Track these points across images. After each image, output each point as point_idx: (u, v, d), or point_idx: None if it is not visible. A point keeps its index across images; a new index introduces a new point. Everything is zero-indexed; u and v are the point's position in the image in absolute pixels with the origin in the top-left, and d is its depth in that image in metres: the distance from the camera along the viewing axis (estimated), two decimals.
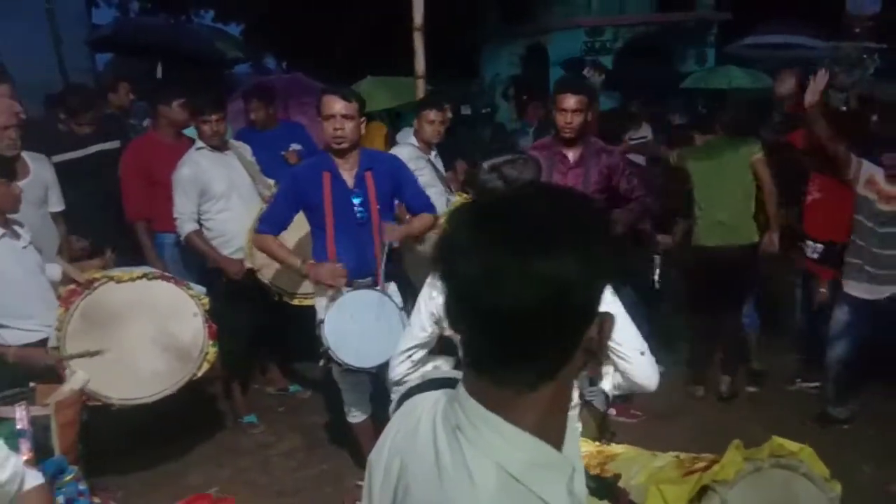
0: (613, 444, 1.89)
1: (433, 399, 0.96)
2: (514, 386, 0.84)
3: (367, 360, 3.10)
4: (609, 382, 2.07)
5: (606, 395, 2.07)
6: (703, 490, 1.35)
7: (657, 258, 4.59)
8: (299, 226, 3.38)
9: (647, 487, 1.36)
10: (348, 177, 3.19)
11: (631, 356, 1.96)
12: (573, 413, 1.57)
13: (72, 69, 7.60)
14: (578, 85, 3.64)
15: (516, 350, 0.82)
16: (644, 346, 2.00)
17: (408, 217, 3.53)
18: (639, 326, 2.03)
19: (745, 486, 1.38)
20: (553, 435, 0.87)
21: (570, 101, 3.57)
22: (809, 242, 4.25)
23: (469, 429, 0.85)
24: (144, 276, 3.37)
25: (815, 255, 4.22)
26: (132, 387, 3.20)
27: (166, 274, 3.54)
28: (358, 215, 3.18)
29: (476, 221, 0.83)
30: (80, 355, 3.07)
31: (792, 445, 1.48)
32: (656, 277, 4.57)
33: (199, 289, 3.53)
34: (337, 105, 3.07)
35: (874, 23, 10.51)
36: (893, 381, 4.25)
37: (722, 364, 4.49)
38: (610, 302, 1.95)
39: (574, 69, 8.67)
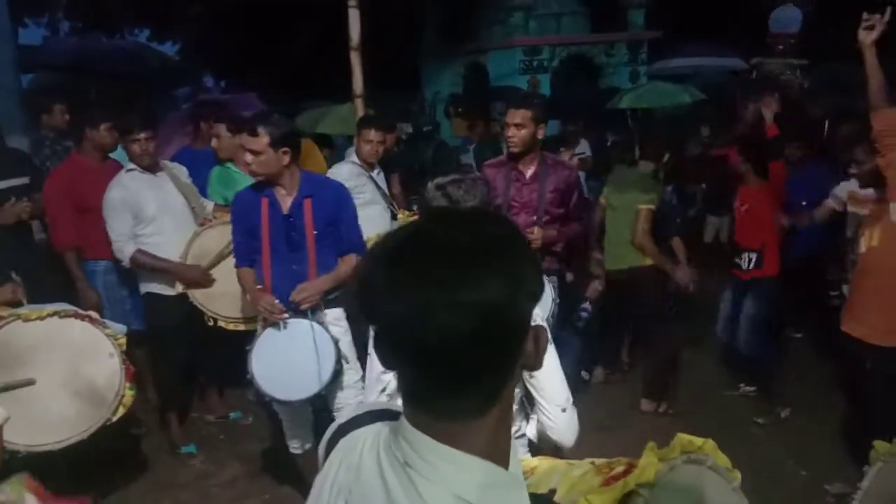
0: (528, 457, 1.86)
1: (374, 433, 0.93)
2: (459, 415, 0.82)
3: (292, 393, 3.00)
4: (532, 429, 2.00)
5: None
6: (628, 495, 1.39)
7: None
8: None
9: (576, 500, 1.37)
10: (285, 203, 3.11)
11: (551, 412, 1.89)
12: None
13: None
14: (523, 100, 3.65)
15: (457, 380, 0.81)
16: (568, 401, 1.91)
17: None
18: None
19: (663, 486, 1.42)
20: (501, 455, 0.86)
21: (513, 115, 3.57)
22: (745, 255, 4.36)
23: (419, 463, 0.82)
24: (56, 314, 3.14)
25: (751, 266, 4.34)
26: (38, 433, 2.97)
27: (80, 312, 3.29)
28: (292, 242, 3.10)
29: (392, 259, 0.81)
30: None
31: (697, 440, 1.52)
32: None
33: (118, 327, 3.32)
34: (245, 140, 3.03)
35: (796, 40, 11.00)
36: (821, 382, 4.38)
37: (645, 385, 4.52)
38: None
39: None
